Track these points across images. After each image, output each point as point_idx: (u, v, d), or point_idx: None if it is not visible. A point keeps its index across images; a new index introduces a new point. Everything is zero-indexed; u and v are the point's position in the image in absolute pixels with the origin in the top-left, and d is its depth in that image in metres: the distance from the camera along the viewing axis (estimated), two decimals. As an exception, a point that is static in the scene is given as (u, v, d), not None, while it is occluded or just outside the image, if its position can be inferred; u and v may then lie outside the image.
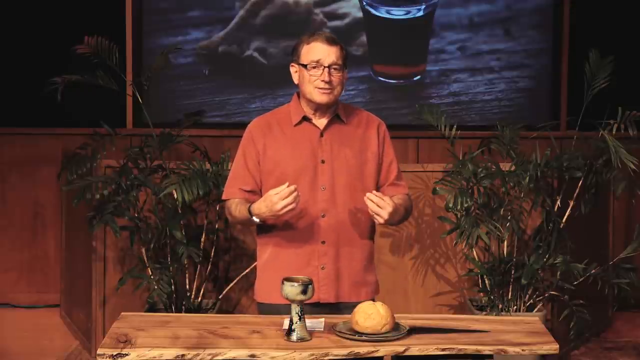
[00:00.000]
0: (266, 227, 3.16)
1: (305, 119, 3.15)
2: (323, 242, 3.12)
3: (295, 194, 2.95)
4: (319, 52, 3.07)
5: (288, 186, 2.95)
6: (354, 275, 3.16)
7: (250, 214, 3.05)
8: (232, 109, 6.14)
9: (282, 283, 2.77)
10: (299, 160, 3.11)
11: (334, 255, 3.12)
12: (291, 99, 3.21)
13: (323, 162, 3.12)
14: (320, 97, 3.09)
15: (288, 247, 3.13)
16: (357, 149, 3.15)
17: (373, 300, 3.13)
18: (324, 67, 3.06)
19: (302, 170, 3.11)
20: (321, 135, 3.14)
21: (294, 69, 3.14)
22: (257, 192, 3.15)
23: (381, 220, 3.01)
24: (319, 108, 3.13)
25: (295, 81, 3.15)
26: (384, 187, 3.20)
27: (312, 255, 3.12)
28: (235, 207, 3.13)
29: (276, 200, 2.94)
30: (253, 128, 3.18)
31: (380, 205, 2.99)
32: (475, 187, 4.62)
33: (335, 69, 3.07)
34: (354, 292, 3.17)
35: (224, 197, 3.22)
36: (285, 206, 2.94)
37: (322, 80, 3.06)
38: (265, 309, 3.16)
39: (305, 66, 3.08)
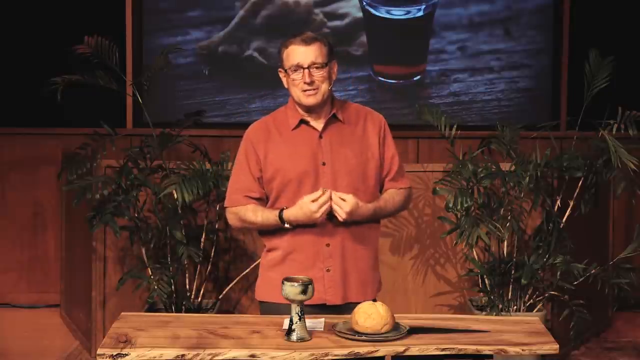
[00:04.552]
0: (271, 230, 3.15)
1: (303, 121, 3.14)
2: (328, 245, 3.11)
3: (328, 193, 3.01)
4: (296, 55, 3.06)
5: (323, 193, 3.00)
6: (361, 276, 3.16)
7: (282, 221, 3.07)
8: (232, 109, 6.13)
9: (283, 283, 2.78)
10: (300, 164, 3.10)
11: (339, 257, 3.12)
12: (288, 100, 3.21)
13: (324, 164, 3.11)
14: (307, 100, 3.08)
15: (293, 250, 3.12)
16: (357, 148, 3.14)
17: (374, 300, 3.14)
18: (304, 68, 3.05)
19: (303, 173, 3.10)
20: (320, 137, 3.13)
21: (282, 75, 3.14)
22: (263, 200, 3.15)
23: (340, 218, 3.03)
24: (312, 110, 3.12)
25: (286, 86, 3.14)
26: (384, 182, 3.21)
27: (317, 257, 3.11)
28: (253, 213, 3.11)
29: (315, 208, 2.99)
30: (252, 134, 3.16)
31: (339, 205, 3.02)
32: (475, 187, 4.62)
33: (316, 67, 3.05)
34: (361, 291, 3.16)
35: (227, 204, 3.20)
36: (323, 212, 3.00)
37: (305, 82, 3.05)
38: (267, 307, 3.16)
39: (287, 71, 3.09)
